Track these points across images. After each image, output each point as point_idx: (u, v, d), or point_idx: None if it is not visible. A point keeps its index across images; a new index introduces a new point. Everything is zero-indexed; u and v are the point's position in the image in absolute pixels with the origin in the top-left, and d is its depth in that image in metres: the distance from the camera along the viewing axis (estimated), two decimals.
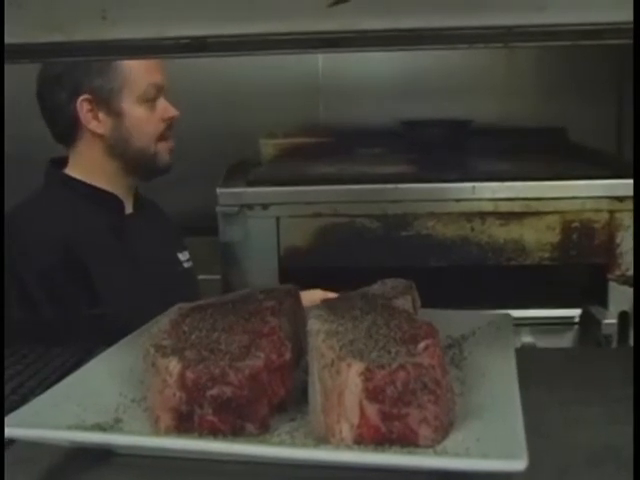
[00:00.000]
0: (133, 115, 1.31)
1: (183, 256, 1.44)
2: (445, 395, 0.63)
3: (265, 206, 1.48)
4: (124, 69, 1.29)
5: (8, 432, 0.63)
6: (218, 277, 1.50)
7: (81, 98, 1.28)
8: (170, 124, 1.36)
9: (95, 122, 1.30)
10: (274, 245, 1.49)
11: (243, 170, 1.67)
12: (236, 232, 1.48)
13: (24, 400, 0.74)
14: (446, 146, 1.80)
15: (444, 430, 0.62)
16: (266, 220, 1.48)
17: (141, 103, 1.31)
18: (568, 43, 0.68)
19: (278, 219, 1.48)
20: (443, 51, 1.78)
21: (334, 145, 1.91)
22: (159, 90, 1.34)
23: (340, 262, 1.51)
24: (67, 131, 1.32)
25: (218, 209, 1.47)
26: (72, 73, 1.27)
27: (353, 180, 1.53)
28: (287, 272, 1.48)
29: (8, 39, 0.58)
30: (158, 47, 0.64)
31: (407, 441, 0.61)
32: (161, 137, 1.35)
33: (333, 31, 0.60)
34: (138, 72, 1.30)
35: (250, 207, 1.48)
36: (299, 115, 1.98)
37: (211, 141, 1.91)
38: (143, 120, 1.32)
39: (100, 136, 1.31)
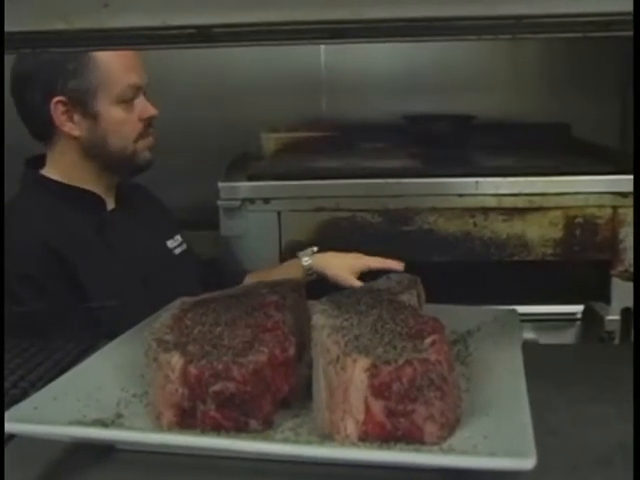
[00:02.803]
0: (109, 117, 1.27)
1: (174, 242, 1.40)
2: (452, 391, 0.62)
3: (266, 200, 1.47)
4: (100, 70, 1.25)
5: (8, 427, 0.62)
6: None
7: (55, 100, 1.24)
8: (149, 123, 1.32)
9: (70, 124, 1.26)
10: (275, 239, 1.48)
11: (244, 164, 1.66)
12: (237, 226, 1.47)
13: (24, 394, 0.73)
14: (449, 141, 1.79)
15: (450, 427, 0.61)
16: (267, 214, 1.48)
17: (117, 104, 1.27)
18: (577, 35, 0.67)
19: (279, 213, 1.48)
20: (447, 46, 1.78)
21: (336, 139, 1.90)
22: (137, 90, 1.29)
23: None
24: (43, 131, 1.29)
25: (219, 203, 1.46)
26: (46, 73, 1.23)
27: (355, 174, 1.52)
28: None
29: (10, 27, 0.57)
30: (162, 37, 0.62)
31: (413, 438, 0.60)
32: (139, 137, 1.30)
33: (340, 20, 0.59)
34: (115, 73, 1.26)
35: (251, 201, 1.47)
36: (301, 109, 1.97)
37: (212, 135, 1.90)
38: (120, 121, 1.27)
39: (76, 138, 1.27)
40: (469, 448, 0.58)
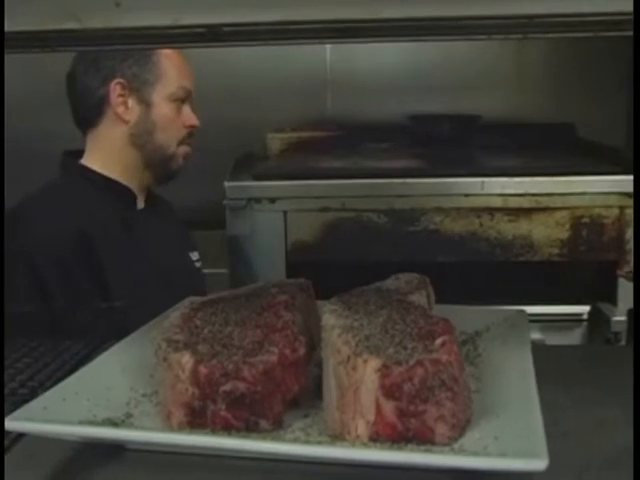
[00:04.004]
0: (161, 110, 1.33)
1: (194, 256, 1.44)
2: (462, 392, 0.62)
3: (272, 200, 1.47)
4: (161, 65, 1.32)
5: (18, 426, 0.62)
6: (225, 271, 1.49)
7: (115, 81, 1.31)
8: (191, 132, 1.38)
9: (123, 107, 1.32)
10: (281, 239, 1.48)
11: (250, 164, 1.66)
12: (243, 226, 1.47)
13: (33, 394, 0.73)
14: (454, 141, 1.79)
15: (461, 428, 0.61)
16: (273, 214, 1.48)
17: (170, 101, 1.33)
18: (588, 34, 0.67)
19: (285, 213, 1.48)
20: (452, 45, 1.77)
21: (342, 139, 1.89)
22: (187, 94, 1.36)
23: (347, 256, 1.50)
24: (92, 113, 1.34)
25: (225, 203, 1.47)
26: (109, 58, 1.30)
27: (361, 174, 1.52)
28: (294, 266, 1.47)
29: (20, 27, 0.57)
30: (172, 36, 0.62)
31: (424, 439, 0.59)
32: (181, 141, 1.37)
33: (351, 19, 0.59)
34: (173, 71, 1.33)
35: (257, 201, 1.47)
36: (306, 109, 1.97)
37: (218, 134, 1.90)
38: (168, 118, 1.34)
39: (125, 122, 1.33)
40: (480, 449, 0.58)
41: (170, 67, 1.33)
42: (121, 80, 1.31)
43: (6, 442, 0.65)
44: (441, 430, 0.60)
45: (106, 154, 1.33)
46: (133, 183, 1.35)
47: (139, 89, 1.32)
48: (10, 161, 1.74)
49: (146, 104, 1.32)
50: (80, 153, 1.36)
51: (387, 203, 1.48)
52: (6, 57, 0.66)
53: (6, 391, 0.76)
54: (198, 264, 1.44)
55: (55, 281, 1.18)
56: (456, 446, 0.59)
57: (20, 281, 1.15)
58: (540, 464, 0.53)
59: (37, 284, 1.17)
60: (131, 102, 1.32)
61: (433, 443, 0.59)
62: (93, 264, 1.21)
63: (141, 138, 1.33)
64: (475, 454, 0.58)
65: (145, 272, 1.28)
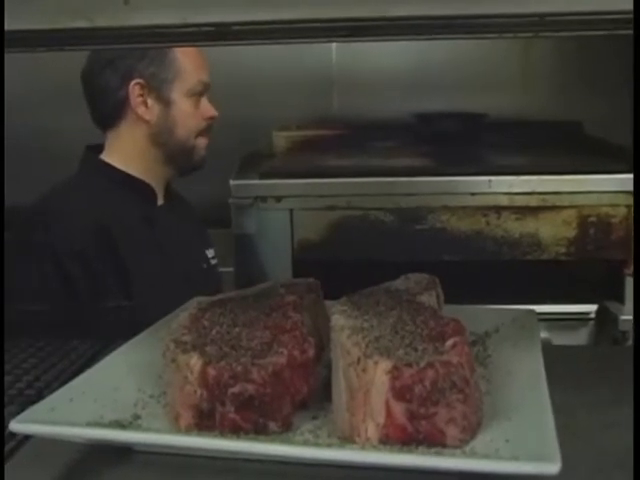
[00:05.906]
0: (180, 107, 1.34)
1: (210, 253, 1.44)
2: (473, 394, 0.61)
3: (278, 198, 1.47)
4: (178, 61, 1.32)
5: (25, 428, 0.61)
6: (231, 270, 1.49)
7: (134, 82, 1.31)
8: (210, 124, 1.39)
9: (143, 107, 1.32)
10: (287, 238, 1.47)
11: (256, 162, 1.66)
12: (249, 224, 1.46)
13: (40, 394, 0.73)
14: (461, 139, 1.78)
15: (472, 430, 0.61)
16: (279, 212, 1.47)
17: (189, 97, 1.34)
18: (599, 33, 0.66)
19: (291, 212, 1.47)
20: (458, 44, 1.76)
21: (348, 138, 1.88)
22: (205, 87, 1.37)
23: (353, 255, 1.50)
24: (112, 114, 1.34)
25: (231, 201, 1.46)
26: (127, 57, 1.31)
27: (367, 173, 1.51)
28: (300, 265, 1.46)
29: (29, 25, 0.56)
30: (181, 34, 0.62)
31: (434, 441, 0.59)
32: (199, 133, 1.38)
33: (361, 18, 0.59)
34: (190, 67, 1.34)
35: (263, 199, 1.46)
36: (313, 107, 1.97)
37: (224, 133, 1.88)
38: (188, 114, 1.34)
39: (145, 122, 1.33)
40: (492, 452, 0.58)
41: (188, 63, 1.33)
42: (140, 80, 1.31)
43: (12, 444, 0.65)
44: (452, 432, 0.59)
45: (127, 152, 1.34)
46: (153, 179, 1.35)
47: (158, 88, 1.32)
48: (10, 159, 1.74)
49: (166, 102, 1.32)
50: (101, 148, 1.36)
51: (393, 202, 1.47)
52: (7, 55, 0.65)
53: (12, 392, 0.75)
54: (214, 261, 1.45)
55: (73, 278, 1.18)
56: (467, 449, 0.59)
57: (38, 277, 1.15)
58: (553, 468, 0.53)
59: (55, 280, 1.17)
60: (150, 101, 1.32)
61: (444, 446, 0.59)
62: (112, 261, 1.21)
63: (162, 136, 1.33)
64: (486, 457, 0.57)
65: (161, 269, 1.28)
